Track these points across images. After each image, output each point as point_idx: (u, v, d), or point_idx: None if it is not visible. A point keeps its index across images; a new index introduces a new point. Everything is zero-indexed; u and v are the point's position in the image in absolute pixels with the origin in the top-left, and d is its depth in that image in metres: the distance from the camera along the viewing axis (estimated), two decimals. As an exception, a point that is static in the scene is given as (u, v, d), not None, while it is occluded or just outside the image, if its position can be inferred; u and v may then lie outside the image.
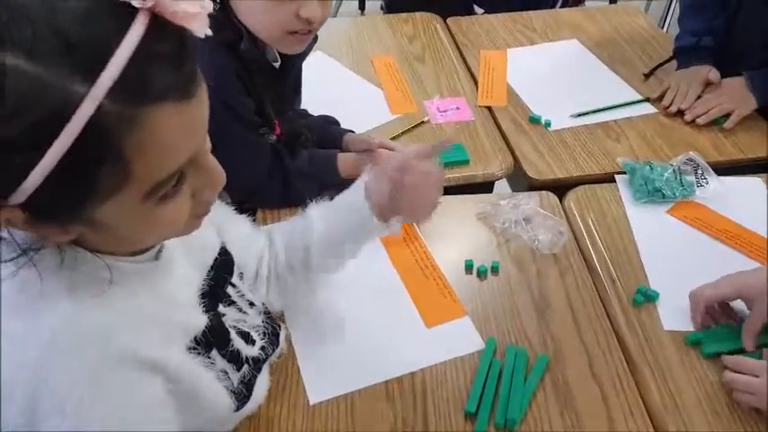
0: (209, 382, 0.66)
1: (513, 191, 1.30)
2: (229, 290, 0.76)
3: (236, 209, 0.89)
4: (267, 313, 0.83)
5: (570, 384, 0.87)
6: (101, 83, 0.43)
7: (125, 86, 0.44)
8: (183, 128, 0.49)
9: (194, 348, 0.64)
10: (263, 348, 0.76)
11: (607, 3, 2.59)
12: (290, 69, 1.10)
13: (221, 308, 0.73)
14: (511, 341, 0.92)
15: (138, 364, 0.56)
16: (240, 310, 0.76)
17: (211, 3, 0.49)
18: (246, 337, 0.74)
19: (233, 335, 0.72)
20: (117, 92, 0.43)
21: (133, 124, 0.45)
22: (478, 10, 2.67)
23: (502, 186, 1.39)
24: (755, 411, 0.83)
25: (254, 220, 0.99)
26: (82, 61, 0.43)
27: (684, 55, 1.43)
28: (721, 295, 0.92)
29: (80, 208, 0.49)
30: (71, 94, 0.42)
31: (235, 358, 0.71)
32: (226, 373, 0.69)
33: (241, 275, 0.80)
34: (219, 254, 0.76)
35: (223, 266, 0.76)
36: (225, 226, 0.81)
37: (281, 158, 1.08)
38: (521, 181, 1.27)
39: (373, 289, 1.00)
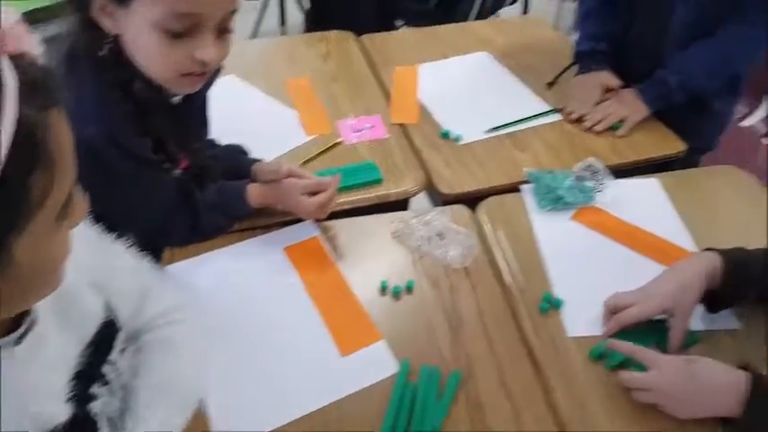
0: None
1: (434, 206, 1.32)
2: (105, 368, 0.68)
3: (141, 251, 0.85)
4: None
5: (482, 399, 0.89)
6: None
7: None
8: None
9: None
10: None
11: (519, 14, 2.67)
12: (194, 102, 1.08)
13: (95, 389, 0.66)
14: (426, 360, 0.94)
15: None
16: (113, 392, 0.69)
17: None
18: (115, 426, 0.69)
19: (101, 423, 0.66)
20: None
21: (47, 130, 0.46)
22: (398, 23, 2.72)
23: (423, 202, 1.41)
24: (657, 408, 0.86)
25: (159, 262, 0.97)
26: None
27: (583, 59, 1.50)
28: (647, 315, 0.93)
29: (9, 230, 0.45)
30: None
31: None
32: None
33: (123, 350, 0.73)
34: (102, 326, 0.68)
35: (104, 340, 0.69)
36: (112, 281, 0.73)
37: (188, 192, 1.07)
38: (435, 196, 1.29)
39: (285, 316, 1.00)
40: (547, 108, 1.45)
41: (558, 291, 1.02)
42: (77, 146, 0.53)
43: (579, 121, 1.40)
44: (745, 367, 0.83)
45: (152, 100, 0.95)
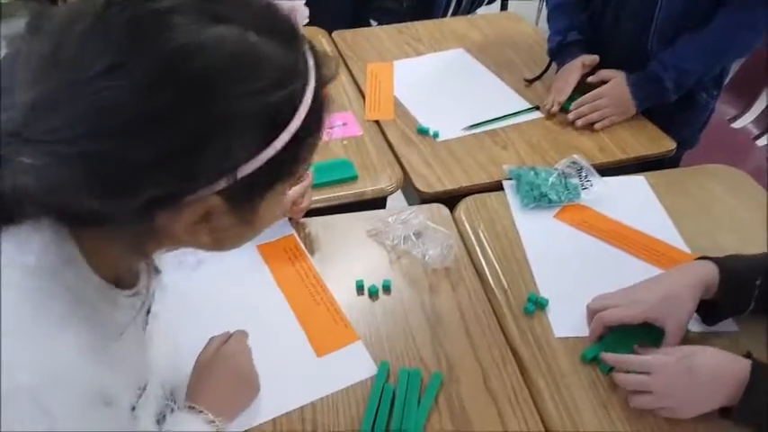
0: None
1: (410, 205, 1.27)
2: None
3: None
4: None
5: (465, 402, 0.84)
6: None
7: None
8: None
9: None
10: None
11: (498, 10, 2.65)
12: None
13: None
14: (405, 362, 0.88)
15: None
16: None
17: None
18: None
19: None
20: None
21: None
22: (373, 22, 2.68)
23: (399, 201, 1.36)
24: (653, 413, 0.82)
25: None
26: (300, 52, 0.49)
27: (556, 55, 1.46)
28: (630, 319, 0.88)
29: (273, 183, 0.51)
30: (304, 77, 0.48)
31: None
32: None
33: None
34: None
35: None
36: None
37: None
38: (412, 194, 1.24)
39: (260, 316, 0.94)
40: (527, 105, 1.41)
41: (544, 291, 0.98)
42: None
43: (562, 116, 1.36)
44: (747, 355, 0.79)
45: None
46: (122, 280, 0.57)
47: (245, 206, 0.50)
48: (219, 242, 0.53)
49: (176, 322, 0.83)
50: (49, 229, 0.48)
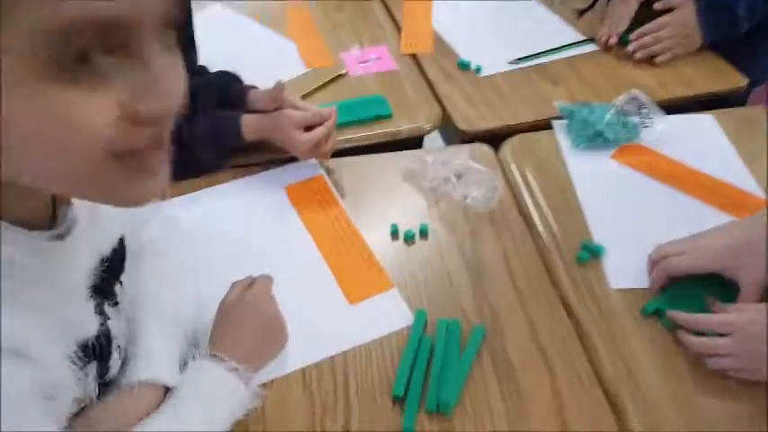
0: (70, 404, 0.52)
1: (448, 146, 1.18)
2: (116, 288, 0.61)
3: None
4: None
5: (511, 358, 0.76)
6: None
7: None
8: None
9: (78, 358, 0.51)
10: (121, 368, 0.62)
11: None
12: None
13: (107, 308, 0.58)
14: (443, 313, 0.80)
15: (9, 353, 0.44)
16: (120, 317, 0.61)
17: None
18: (119, 352, 0.60)
19: (113, 347, 0.58)
20: None
21: None
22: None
23: (436, 142, 1.27)
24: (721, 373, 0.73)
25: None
26: None
27: None
28: (698, 268, 0.78)
29: None
30: None
31: (102, 376, 0.57)
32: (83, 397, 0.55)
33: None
34: (118, 242, 0.61)
35: (117, 258, 0.61)
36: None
37: (178, 125, 0.93)
38: (452, 134, 1.14)
39: (287, 261, 0.86)
40: (579, 38, 1.29)
41: (599, 238, 0.88)
42: None
43: (618, 49, 1.23)
44: None
45: None
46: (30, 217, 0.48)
47: None
48: None
49: (195, 264, 0.77)
50: None
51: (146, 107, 0.37)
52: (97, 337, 0.54)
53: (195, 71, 1.06)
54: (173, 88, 0.39)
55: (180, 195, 0.95)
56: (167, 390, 0.63)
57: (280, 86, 0.97)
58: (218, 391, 0.65)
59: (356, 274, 0.85)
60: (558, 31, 1.31)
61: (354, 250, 0.88)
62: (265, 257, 0.86)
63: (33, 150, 0.37)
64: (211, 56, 1.08)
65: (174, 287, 0.72)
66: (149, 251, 0.73)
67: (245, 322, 0.72)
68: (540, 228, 0.91)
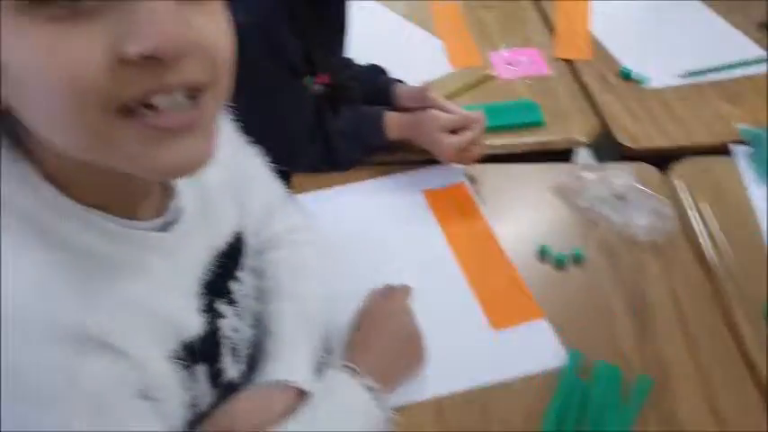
0: (177, 407, 0.48)
1: (600, 162, 1.06)
2: (232, 285, 0.57)
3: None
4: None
5: (681, 419, 0.65)
6: None
7: None
8: None
9: (179, 358, 0.47)
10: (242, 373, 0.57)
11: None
12: (339, 3, 0.90)
13: (220, 306, 0.54)
14: (599, 354, 0.70)
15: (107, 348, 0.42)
16: (239, 315, 0.56)
17: None
18: (234, 354, 0.55)
19: (223, 348, 0.53)
20: None
21: None
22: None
23: (582, 157, 1.15)
24: None
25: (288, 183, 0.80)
26: None
27: None
28: None
29: None
30: None
31: (215, 380, 0.52)
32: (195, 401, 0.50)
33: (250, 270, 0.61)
34: (234, 236, 0.58)
35: (233, 254, 0.58)
36: (246, 188, 0.63)
37: (324, 118, 0.89)
38: (609, 150, 1.03)
39: (423, 271, 0.79)
40: (764, 55, 1.13)
41: (794, 288, 0.75)
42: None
43: None
44: None
45: None
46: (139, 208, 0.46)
47: None
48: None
49: (330, 261, 0.72)
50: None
51: (131, 49, 0.33)
52: (204, 338, 0.50)
53: (345, 62, 1.01)
54: (170, 29, 0.34)
55: (317, 189, 0.90)
56: (299, 391, 0.57)
57: (426, 87, 0.91)
58: (353, 411, 0.59)
59: (501, 296, 0.76)
60: (736, 45, 1.17)
61: (499, 269, 0.80)
62: (401, 264, 0.80)
63: (32, 94, 0.35)
64: (357, 47, 1.03)
65: (312, 281, 0.67)
66: (287, 241, 0.68)
67: (384, 336, 0.66)
68: (719, 269, 0.79)
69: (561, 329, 0.73)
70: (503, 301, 0.76)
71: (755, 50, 1.15)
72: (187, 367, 0.48)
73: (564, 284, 0.79)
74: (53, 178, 0.41)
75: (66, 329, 0.39)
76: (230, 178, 0.59)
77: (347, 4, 0.93)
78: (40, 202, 0.40)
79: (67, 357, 0.39)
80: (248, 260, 0.60)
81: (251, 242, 0.62)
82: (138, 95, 0.34)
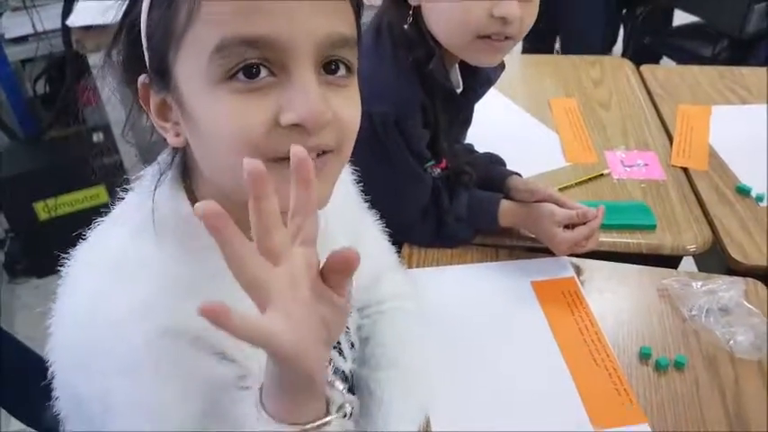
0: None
1: (704, 272, 1.08)
2: None
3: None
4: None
5: None
6: None
7: None
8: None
9: None
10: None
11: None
12: (470, 99, 1.01)
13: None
14: (696, 466, 0.72)
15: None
16: (339, 350, 0.65)
17: None
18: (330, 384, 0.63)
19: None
20: None
21: None
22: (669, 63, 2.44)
23: (686, 265, 1.17)
24: None
25: (399, 253, 0.89)
26: None
27: None
28: None
29: (167, 49, 0.48)
30: None
31: None
32: None
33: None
34: None
35: None
36: (360, 243, 0.71)
37: (439, 198, 0.98)
38: (716, 262, 1.05)
39: (526, 361, 0.84)
40: None
41: None
42: (367, 116, 0.55)
43: None
44: None
45: (439, 86, 0.89)
46: None
47: (164, 77, 0.49)
48: (180, 137, 0.52)
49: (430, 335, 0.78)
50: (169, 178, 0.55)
51: (285, 118, 0.46)
52: None
53: (465, 148, 1.11)
54: (315, 108, 0.46)
55: (428, 266, 0.98)
56: None
57: (540, 191, 0.98)
58: None
59: (604, 395, 0.80)
60: None
61: (603, 367, 0.83)
62: (503, 350, 0.85)
63: (215, 150, 0.49)
64: (478, 132, 1.12)
65: (414, 350, 0.73)
66: (392, 307, 0.76)
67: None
68: (824, 396, 0.79)
69: (658, 433, 0.76)
70: (605, 399, 0.79)
71: None
72: None
73: (664, 389, 0.81)
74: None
75: (176, 327, 0.50)
76: (346, 229, 0.67)
77: (475, 101, 1.03)
78: (185, 231, 0.52)
79: (182, 349, 0.50)
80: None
81: (354, 295, 0.70)
82: (286, 151, 0.44)
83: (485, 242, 1.03)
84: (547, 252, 0.99)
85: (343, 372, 0.66)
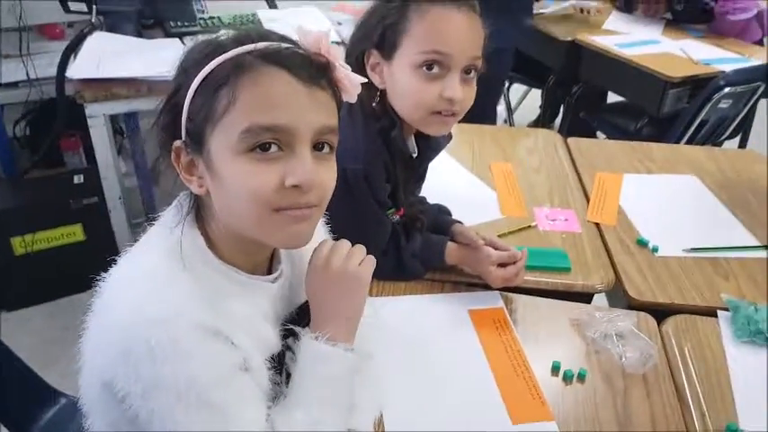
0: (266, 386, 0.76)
1: (612, 307, 1.31)
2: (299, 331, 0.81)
3: None
4: None
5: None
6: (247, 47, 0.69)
7: (265, 51, 0.68)
8: (286, 96, 0.67)
9: (269, 367, 0.77)
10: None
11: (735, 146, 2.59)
12: (423, 161, 1.23)
13: (289, 341, 0.81)
14: (587, 454, 0.92)
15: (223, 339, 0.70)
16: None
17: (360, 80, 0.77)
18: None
19: (284, 377, 0.79)
20: (257, 53, 0.68)
21: (254, 71, 0.67)
22: (600, 135, 2.75)
23: (599, 300, 1.40)
24: None
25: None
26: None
27: None
28: None
29: (205, 126, 0.68)
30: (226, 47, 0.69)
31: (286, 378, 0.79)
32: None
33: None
34: (306, 303, 0.85)
35: (306, 312, 0.83)
36: None
37: (397, 239, 1.18)
38: (619, 299, 1.28)
39: (459, 370, 1.04)
40: (755, 243, 1.39)
41: (745, 424, 0.96)
42: (344, 172, 0.87)
43: None
44: None
45: (399, 150, 1.10)
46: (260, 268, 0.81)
47: (200, 145, 0.69)
48: (203, 188, 0.72)
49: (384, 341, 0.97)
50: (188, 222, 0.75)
51: (288, 182, 0.68)
52: (278, 356, 0.78)
53: (419, 200, 1.33)
54: (309, 176, 0.68)
55: (385, 296, 1.18)
56: None
57: (479, 240, 1.20)
58: (327, 359, 0.78)
59: (521, 397, 1.00)
60: (736, 233, 1.43)
61: (521, 377, 1.03)
62: (445, 365, 1.05)
63: (235, 200, 0.69)
64: (431, 187, 1.34)
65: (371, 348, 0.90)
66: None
67: (330, 294, 0.82)
68: (690, 401, 1.01)
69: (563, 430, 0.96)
70: (522, 401, 0.99)
71: (750, 239, 1.41)
72: (275, 374, 0.77)
73: (569, 395, 1.02)
74: (211, 244, 0.74)
75: (204, 323, 0.67)
76: None
77: (428, 162, 1.25)
78: (201, 258, 0.73)
79: (209, 339, 0.68)
80: None
81: None
82: (287, 205, 0.68)
83: (433, 277, 1.23)
84: (483, 286, 1.21)
85: None
